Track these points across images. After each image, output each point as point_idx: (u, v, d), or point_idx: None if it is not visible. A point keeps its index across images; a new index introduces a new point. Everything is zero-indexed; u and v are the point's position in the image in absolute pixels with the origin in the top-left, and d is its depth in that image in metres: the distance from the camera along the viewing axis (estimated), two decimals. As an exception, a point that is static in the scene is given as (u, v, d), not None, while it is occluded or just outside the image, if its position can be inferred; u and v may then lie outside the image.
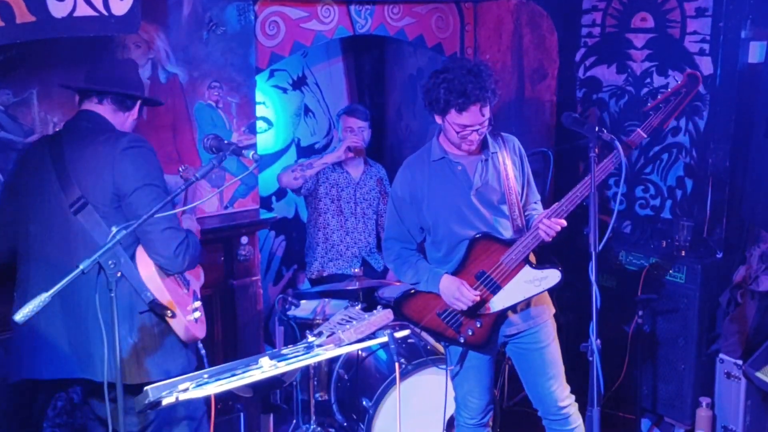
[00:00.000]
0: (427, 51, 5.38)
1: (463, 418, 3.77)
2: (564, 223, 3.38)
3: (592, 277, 2.98)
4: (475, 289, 3.47)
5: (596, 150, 3.17)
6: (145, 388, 2.54)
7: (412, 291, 3.64)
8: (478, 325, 3.55)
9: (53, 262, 3.09)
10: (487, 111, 3.39)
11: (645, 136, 3.44)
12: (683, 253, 4.65)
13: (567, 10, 5.22)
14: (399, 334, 3.11)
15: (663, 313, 4.70)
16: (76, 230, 3.01)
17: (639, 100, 4.91)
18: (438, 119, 3.49)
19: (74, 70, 3.60)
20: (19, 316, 2.34)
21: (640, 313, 4.47)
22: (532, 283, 3.48)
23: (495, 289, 3.50)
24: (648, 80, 4.85)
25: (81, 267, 2.45)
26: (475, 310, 3.52)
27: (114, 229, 2.56)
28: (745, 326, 4.51)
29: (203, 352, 3.26)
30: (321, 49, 5.83)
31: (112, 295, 2.55)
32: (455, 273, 3.52)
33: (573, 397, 3.68)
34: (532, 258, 3.54)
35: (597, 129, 3.13)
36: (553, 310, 3.72)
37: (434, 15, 5.17)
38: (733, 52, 4.43)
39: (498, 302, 3.52)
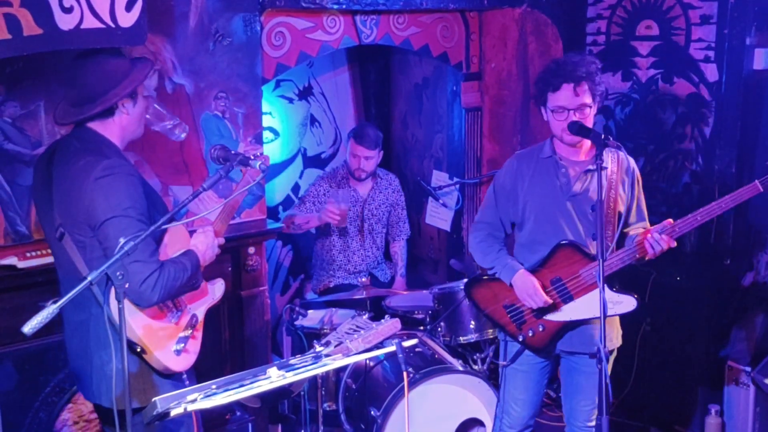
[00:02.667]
0: (433, 60, 5.39)
1: (503, 424, 3.76)
2: (674, 243, 3.30)
3: (600, 284, 2.98)
4: (547, 293, 3.45)
5: (602, 158, 3.17)
6: (154, 399, 2.55)
7: (486, 277, 3.64)
8: (540, 329, 3.53)
9: (60, 279, 3.09)
10: (583, 93, 3.36)
11: (761, 190, 3.29)
12: (690, 260, 4.64)
13: (572, 18, 5.23)
14: (407, 344, 3.10)
15: (670, 320, 4.69)
16: (64, 254, 2.96)
17: (645, 107, 4.91)
18: (545, 115, 3.49)
19: (58, 94, 3.57)
20: (27, 327, 2.33)
21: (648, 320, 4.46)
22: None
23: (567, 298, 3.47)
24: (653, 87, 4.85)
25: (89, 278, 2.45)
26: (542, 314, 3.50)
27: (122, 240, 2.55)
28: (754, 333, 4.50)
29: (187, 383, 3.06)
30: (327, 59, 5.85)
31: (121, 306, 2.54)
32: (531, 272, 3.50)
33: None
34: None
35: (603, 137, 3.13)
36: (620, 342, 3.65)
37: (439, 24, 5.18)
38: (738, 59, 4.42)
39: (567, 312, 3.48)
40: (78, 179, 2.84)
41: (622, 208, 3.47)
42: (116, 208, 2.79)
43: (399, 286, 5.35)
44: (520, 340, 3.59)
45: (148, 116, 3.21)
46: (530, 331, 3.55)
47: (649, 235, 3.29)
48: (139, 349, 2.91)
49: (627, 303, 3.40)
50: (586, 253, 3.43)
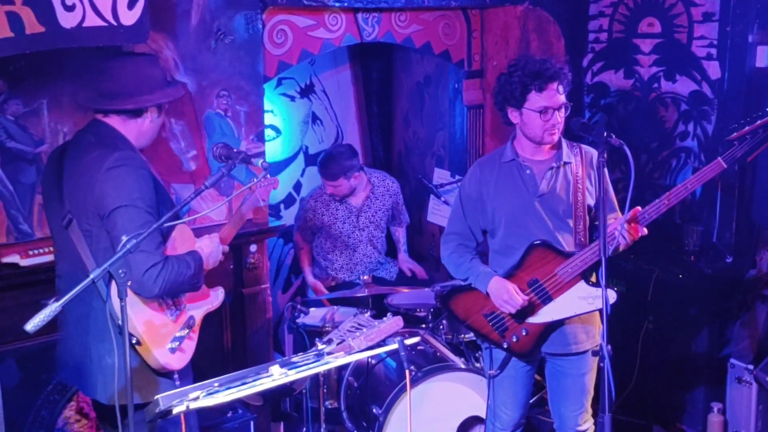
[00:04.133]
0: (435, 58, 5.39)
1: (495, 426, 3.75)
2: (644, 231, 3.28)
3: (602, 283, 2.98)
4: (526, 296, 3.40)
5: (605, 155, 3.17)
6: (156, 396, 2.55)
7: (462, 288, 3.60)
8: (524, 333, 3.48)
9: (61, 273, 3.10)
10: (563, 92, 3.34)
11: (725, 166, 3.25)
12: (693, 258, 4.64)
13: (574, 15, 5.22)
14: (409, 341, 3.10)
15: (673, 318, 4.69)
16: (70, 244, 2.97)
17: (647, 104, 4.91)
18: (515, 117, 3.42)
19: (83, 80, 3.61)
20: (30, 325, 2.34)
21: (651, 318, 4.45)
22: (585, 300, 3.37)
23: (546, 299, 3.42)
24: (656, 85, 4.85)
25: (91, 276, 2.46)
26: (523, 318, 3.46)
27: (124, 238, 2.56)
28: (756, 331, 4.50)
29: (178, 383, 3.03)
30: (328, 57, 5.85)
31: (123, 304, 2.54)
32: (507, 277, 3.45)
33: (592, 420, 3.63)
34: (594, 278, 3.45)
35: (606, 134, 3.13)
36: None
37: (441, 22, 5.17)
38: (741, 57, 4.42)
39: (547, 313, 3.43)
40: (90, 169, 2.89)
41: (591, 201, 3.46)
42: (125, 198, 2.83)
43: (403, 260, 5.41)
44: (505, 347, 3.53)
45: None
46: (514, 337, 3.50)
47: (618, 226, 3.25)
48: (134, 341, 2.92)
49: (607, 296, 3.33)
50: (559, 251, 3.40)
